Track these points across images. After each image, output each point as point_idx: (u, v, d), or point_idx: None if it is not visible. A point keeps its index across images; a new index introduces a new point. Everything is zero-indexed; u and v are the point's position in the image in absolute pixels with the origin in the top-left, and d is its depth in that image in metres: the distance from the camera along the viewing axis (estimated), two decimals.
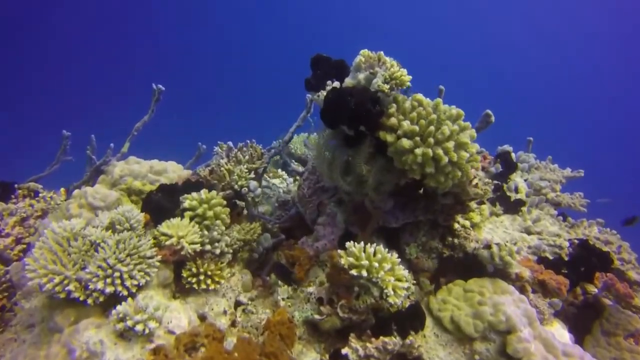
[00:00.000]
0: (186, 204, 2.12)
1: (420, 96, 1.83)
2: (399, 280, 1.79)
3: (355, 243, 1.85)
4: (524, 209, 2.61)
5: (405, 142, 1.71)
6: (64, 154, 3.07)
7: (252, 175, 2.43)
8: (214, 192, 2.26)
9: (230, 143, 2.65)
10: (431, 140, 1.71)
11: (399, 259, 1.89)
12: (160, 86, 2.46)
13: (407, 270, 1.87)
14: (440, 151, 1.69)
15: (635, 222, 2.73)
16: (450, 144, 1.70)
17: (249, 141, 2.66)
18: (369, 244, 1.84)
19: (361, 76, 1.95)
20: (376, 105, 1.70)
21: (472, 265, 2.16)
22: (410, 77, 1.84)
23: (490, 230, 2.45)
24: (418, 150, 1.71)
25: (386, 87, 1.76)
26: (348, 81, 2.00)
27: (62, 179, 3.32)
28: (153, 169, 2.45)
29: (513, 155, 3.24)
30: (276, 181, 4.06)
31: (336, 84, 2.10)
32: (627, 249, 2.50)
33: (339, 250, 1.89)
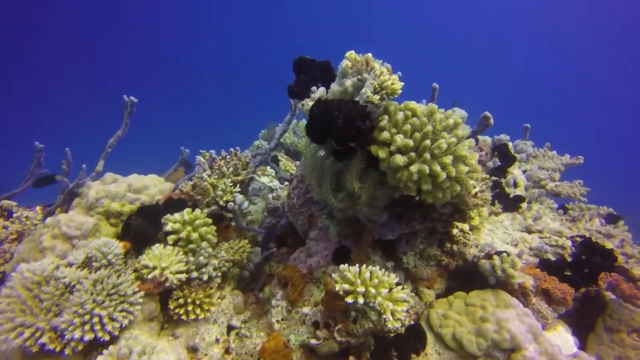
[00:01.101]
0: (169, 227, 1.98)
1: (413, 105, 1.67)
2: (398, 303, 1.70)
3: (350, 267, 1.74)
4: (524, 205, 2.50)
5: (399, 159, 1.57)
6: (38, 168, 2.88)
7: (238, 188, 2.29)
8: (197, 212, 2.12)
9: (213, 152, 2.49)
10: (427, 155, 1.57)
11: (396, 278, 1.79)
12: (132, 98, 2.27)
13: (406, 292, 1.78)
14: (437, 167, 1.56)
15: (620, 221, 2.65)
16: (448, 159, 1.56)
17: (232, 149, 2.49)
18: (364, 266, 1.74)
19: (348, 83, 1.78)
20: (366, 121, 1.55)
21: (472, 274, 2.08)
22: (402, 83, 1.67)
23: (489, 231, 2.35)
24: (413, 167, 1.57)
25: (376, 98, 1.60)
26: (334, 88, 1.83)
27: (39, 195, 3.15)
28: (132, 187, 2.29)
29: (510, 145, 3.11)
30: (265, 180, 3.91)
31: (321, 90, 1.93)
32: (630, 242, 2.43)
33: (333, 275, 1.78)
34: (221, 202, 2.21)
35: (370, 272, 1.71)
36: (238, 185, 2.30)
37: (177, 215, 2.02)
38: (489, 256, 1.97)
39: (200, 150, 2.58)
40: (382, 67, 1.70)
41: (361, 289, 1.63)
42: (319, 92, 1.92)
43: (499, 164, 2.68)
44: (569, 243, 2.21)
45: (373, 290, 1.64)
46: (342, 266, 1.77)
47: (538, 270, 2.02)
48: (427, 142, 1.57)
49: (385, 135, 1.61)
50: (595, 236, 2.44)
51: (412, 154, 1.60)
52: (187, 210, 2.07)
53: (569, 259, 2.16)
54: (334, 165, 1.82)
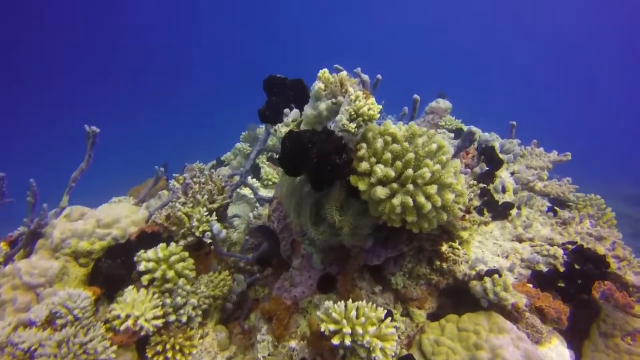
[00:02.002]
0: (142, 267, 1.85)
1: (393, 129, 1.55)
2: (387, 340, 1.61)
3: (335, 304, 1.64)
4: (514, 212, 2.43)
5: (381, 191, 1.46)
6: (2, 197, 2.71)
7: (215, 217, 2.16)
8: (173, 247, 1.99)
9: (187, 177, 2.34)
10: (410, 186, 1.46)
11: (386, 303, 1.70)
12: (94, 128, 2.10)
13: (395, 325, 1.69)
14: (422, 198, 1.45)
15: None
16: (433, 188, 1.46)
17: (207, 172, 2.35)
18: (350, 302, 1.64)
19: (323, 107, 1.64)
20: (343, 154, 1.43)
21: (464, 291, 2.01)
22: (380, 107, 1.55)
23: (479, 244, 2.28)
24: (396, 200, 1.46)
25: (352, 126, 1.47)
26: (308, 112, 1.70)
27: (5, 225, 2.98)
28: (101, 222, 2.14)
29: (497, 146, 3.03)
30: (246, 192, 3.78)
31: (295, 114, 1.79)
32: (622, 244, 2.38)
33: (318, 314, 1.68)
34: (197, 234, 2.09)
35: (357, 309, 1.62)
36: (215, 213, 2.17)
37: (150, 254, 1.89)
38: (480, 277, 1.89)
39: (174, 175, 2.44)
40: (357, 90, 1.57)
41: (348, 329, 1.54)
42: (292, 115, 1.79)
43: (487, 169, 2.59)
44: (561, 252, 2.14)
45: (360, 330, 1.54)
46: (326, 303, 1.67)
47: (531, 287, 1.95)
48: (410, 171, 1.46)
49: (364, 166, 1.49)
50: (587, 240, 2.38)
51: (395, 185, 1.49)
52: (162, 246, 1.95)
53: (562, 269, 2.10)
54: (313, 195, 1.71)
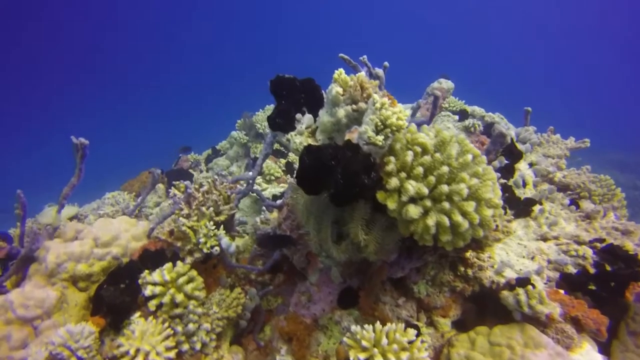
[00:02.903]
0: (147, 291, 1.71)
1: (422, 138, 1.38)
2: None
3: (364, 330, 1.52)
4: (536, 209, 2.30)
5: (414, 211, 1.31)
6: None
7: (222, 230, 2.00)
8: (180, 266, 1.84)
9: (188, 184, 2.16)
10: (445, 204, 1.31)
11: (409, 314, 1.59)
12: (82, 139, 1.89)
13: (425, 350, 1.57)
14: (458, 217, 1.31)
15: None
16: (471, 205, 1.31)
17: (209, 179, 2.17)
18: (379, 327, 1.52)
19: (341, 113, 1.46)
20: (372, 173, 1.26)
21: (486, 298, 1.91)
22: (407, 114, 1.37)
23: (503, 245, 2.16)
24: (430, 220, 1.31)
25: (380, 139, 1.30)
26: (325, 119, 1.52)
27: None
28: (99, 241, 1.97)
29: (513, 134, 2.87)
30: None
31: (308, 119, 1.61)
32: None
33: (345, 340, 1.56)
34: (205, 250, 1.93)
35: (388, 334, 1.49)
36: (222, 225, 2.01)
37: (156, 276, 1.74)
38: (510, 286, 1.77)
39: (174, 182, 2.26)
40: (381, 95, 1.39)
41: (380, 358, 1.42)
42: (305, 121, 1.61)
43: (506, 162, 2.44)
44: (590, 252, 2.03)
45: (393, 359, 1.43)
46: (353, 328, 1.55)
47: (564, 294, 1.84)
48: (444, 187, 1.30)
49: (394, 182, 1.33)
50: (613, 235, 2.27)
51: (427, 202, 1.33)
52: (168, 267, 1.79)
53: (592, 270, 2.00)
54: (333, 210, 1.55)
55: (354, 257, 1.68)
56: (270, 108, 5.10)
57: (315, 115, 1.65)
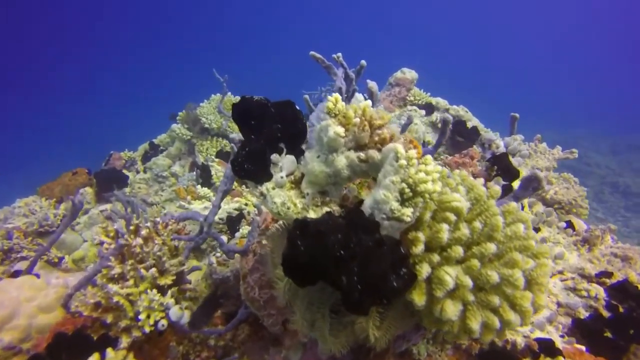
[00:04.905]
0: None
1: (456, 202, 0.98)
2: None
3: None
4: (537, 238, 2.05)
5: (452, 311, 0.92)
6: None
7: (169, 296, 1.50)
8: (111, 357, 1.33)
9: (119, 229, 1.61)
10: (494, 299, 0.94)
11: None
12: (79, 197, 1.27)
13: None
14: (511, 315, 0.94)
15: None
16: (527, 299, 0.95)
17: (150, 221, 1.63)
18: None
19: (342, 163, 1.01)
20: (402, 269, 0.85)
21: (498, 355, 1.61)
22: (439, 168, 0.96)
23: None
24: (474, 323, 0.93)
25: (408, 212, 0.88)
26: (316, 168, 1.05)
27: None
28: None
29: (501, 145, 2.60)
30: (197, 205, 3.07)
31: (289, 164, 1.15)
32: None
33: None
34: (147, 328, 1.43)
35: None
36: (169, 291, 1.51)
37: None
38: (533, 354, 1.48)
39: (98, 226, 1.70)
40: (406, 143, 0.96)
41: None
42: (285, 167, 1.15)
43: (503, 183, 2.16)
44: (602, 293, 1.82)
45: None
46: None
47: (586, 352, 1.60)
48: (494, 276, 0.92)
49: (425, 270, 0.92)
50: (613, 262, 2.09)
51: (469, 296, 0.95)
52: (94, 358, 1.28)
53: (606, 314, 1.78)
54: (332, 296, 1.12)
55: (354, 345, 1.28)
56: (216, 98, 4.42)
57: (298, 155, 1.19)
